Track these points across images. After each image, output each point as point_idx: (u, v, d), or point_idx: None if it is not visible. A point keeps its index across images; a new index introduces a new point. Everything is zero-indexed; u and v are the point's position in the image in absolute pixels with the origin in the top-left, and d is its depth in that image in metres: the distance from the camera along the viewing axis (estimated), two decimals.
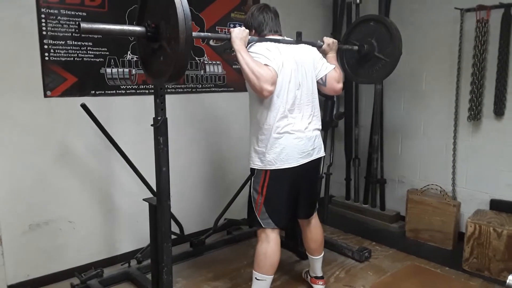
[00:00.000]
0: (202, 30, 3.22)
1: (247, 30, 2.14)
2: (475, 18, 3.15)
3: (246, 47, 2.11)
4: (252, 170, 2.30)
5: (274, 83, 2.08)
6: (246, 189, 3.18)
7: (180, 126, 3.15)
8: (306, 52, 2.35)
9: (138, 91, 2.96)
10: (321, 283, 2.64)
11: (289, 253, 3.19)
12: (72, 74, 2.66)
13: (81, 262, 2.82)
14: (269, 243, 2.28)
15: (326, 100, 4.07)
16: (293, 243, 3.16)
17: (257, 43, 2.19)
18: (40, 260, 2.68)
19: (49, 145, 2.64)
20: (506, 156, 3.16)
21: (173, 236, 2.37)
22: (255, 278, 2.30)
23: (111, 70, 2.82)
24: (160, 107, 2.08)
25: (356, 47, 2.71)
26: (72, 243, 2.79)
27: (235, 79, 3.48)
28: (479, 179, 3.33)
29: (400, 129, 3.81)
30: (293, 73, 2.22)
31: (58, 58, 2.59)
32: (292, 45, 2.31)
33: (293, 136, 2.23)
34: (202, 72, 3.29)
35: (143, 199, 2.37)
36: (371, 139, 3.86)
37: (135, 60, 2.91)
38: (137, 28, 1.75)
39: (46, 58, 2.55)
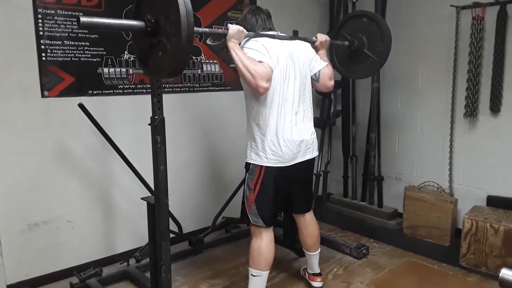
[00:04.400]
0: None
1: (244, 30, 2.14)
2: (470, 15, 3.16)
3: (240, 44, 2.13)
4: (248, 165, 2.32)
5: (269, 80, 2.08)
6: None
7: (177, 125, 3.16)
8: (301, 48, 2.37)
9: (135, 91, 2.97)
10: (319, 280, 2.66)
11: (287, 251, 3.21)
12: (70, 74, 2.67)
13: (80, 261, 2.82)
14: (262, 240, 2.31)
15: (323, 98, 4.09)
16: (291, 240, 3.17)
17: (252, 39, 2.19)
18: (39, 260, 2.68)
19: (47, 145, 2.64)
20: (502, 153, 3.18)
21: (171, 235, 2.38)
22: (251, 274, 2.33)
23: (108, 69, 2.83)
24: (157, 106, 2.09)
25: (346, 43, 2.72)
26: (71, 242, 2.80)
27: (232, 78, 3.49)
28: (476, 176, 3.35)
29: (397, 126, 3.83)
30: (288, 67, 2.24)
31: (55, 58, 2.60)
32: (286, 40, 2.32)
33: (289, 135, 2.25)
34: (199, 71, 3.29)
35: (141, 198, 2.38)
36: (368, 137, 3.87)
37: (132, 60, 2.92)
38: (136, 23, 1.69)
39: (43, 59, 2.55)
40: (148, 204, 2.30)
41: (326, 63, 2.46)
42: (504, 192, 3.17)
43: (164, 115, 2.11)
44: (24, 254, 2.62)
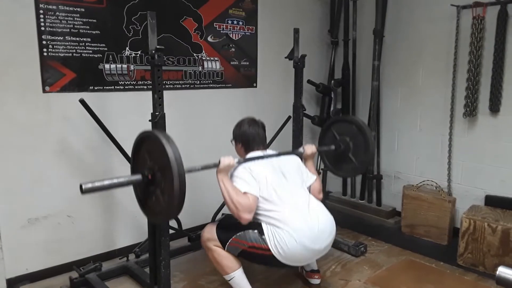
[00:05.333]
0: (200, 26, 3.24)
1: (234, 161, 2.23)
2: (471, 15, 3.17)
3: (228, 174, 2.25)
4: (260, 229, 2.24)
5: (251, 211, 2.18)
6: None
7: (178, 122, 3.15)
8: (290, 161, 2.47)
9: (136, 87, 2.97)
10: (317, 277, 2.68)
11: None
12: (71, 69, 2.67)
13: (79, 256, 2.84)
14: (214, 251, 2.33)
15: (323, 97, 4.11)
16: None
17: (241, 165, 2.28)
18: (39, 254, 2.70)
19: (48, 140, 2.65)
20: (501, 152, 3.19)
21: (171, 231, 2.40)
22: (227, 280, 2.37)
23: (110, 65, 2.84)
24: (158, 103, 2.10)
25: (333, 147, 2.82)
26: (71, 237, 2.81)
27: (233, 76, 3.50)
28: (474, 175, 3.36)
29: (397, 125, 3.84)
30: (281, 183, 2.29)
31: (57, 54, 2.61)
32: (275, 157, 2.42)
33: (301, 244, 2.18)
34: (200, 68, 3.30)
35: None
36: None
37: (134, 56, 2.93)
38: (135, 178, 1.89)
39: (45, 54, 2.56)
40: None
41: (315, 177, 2.53)
42: (502, 192, 3.18)
43: (164, 111, 2.12)
44: (24, 249, 2.63)
